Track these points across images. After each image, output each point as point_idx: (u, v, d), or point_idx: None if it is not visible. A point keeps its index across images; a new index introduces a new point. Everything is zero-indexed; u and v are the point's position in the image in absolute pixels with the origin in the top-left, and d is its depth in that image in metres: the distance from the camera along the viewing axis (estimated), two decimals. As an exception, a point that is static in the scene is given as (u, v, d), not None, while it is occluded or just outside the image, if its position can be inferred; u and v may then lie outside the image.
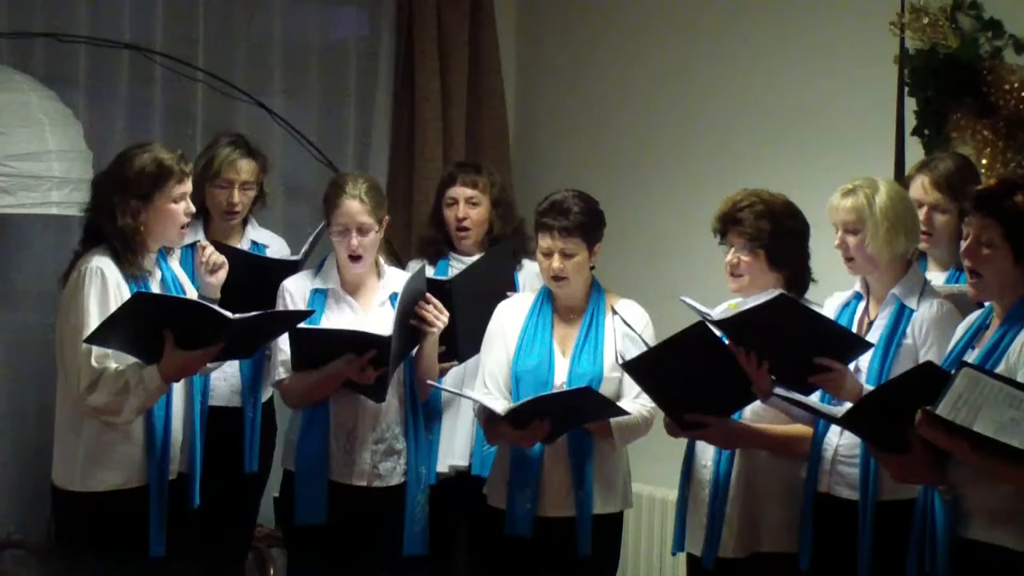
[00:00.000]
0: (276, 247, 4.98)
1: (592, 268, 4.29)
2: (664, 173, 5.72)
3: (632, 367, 3.93)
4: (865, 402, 3.52)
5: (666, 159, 5.73)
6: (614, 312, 4.23)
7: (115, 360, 3.92)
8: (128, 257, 3.98)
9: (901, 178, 4.47)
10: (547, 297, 4.33)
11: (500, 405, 4.15)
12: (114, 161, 4.09)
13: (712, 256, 4.10)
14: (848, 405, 3.62)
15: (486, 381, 4.30)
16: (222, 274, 4.39)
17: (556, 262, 4.20)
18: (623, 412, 4.12)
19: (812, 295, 4.01)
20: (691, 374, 3.84)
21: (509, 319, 4.34)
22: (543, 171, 6.10)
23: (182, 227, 4.07)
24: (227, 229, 4.84)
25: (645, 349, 3.95)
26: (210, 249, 4.41)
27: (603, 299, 4.31)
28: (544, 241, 4.22)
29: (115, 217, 3.97)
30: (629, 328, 4.11)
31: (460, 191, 4.98)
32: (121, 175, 4.01)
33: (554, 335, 4.28)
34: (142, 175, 3.98)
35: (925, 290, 3.83)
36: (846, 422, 3.60)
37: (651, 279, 5.33)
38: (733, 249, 3.99)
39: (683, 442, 4.09)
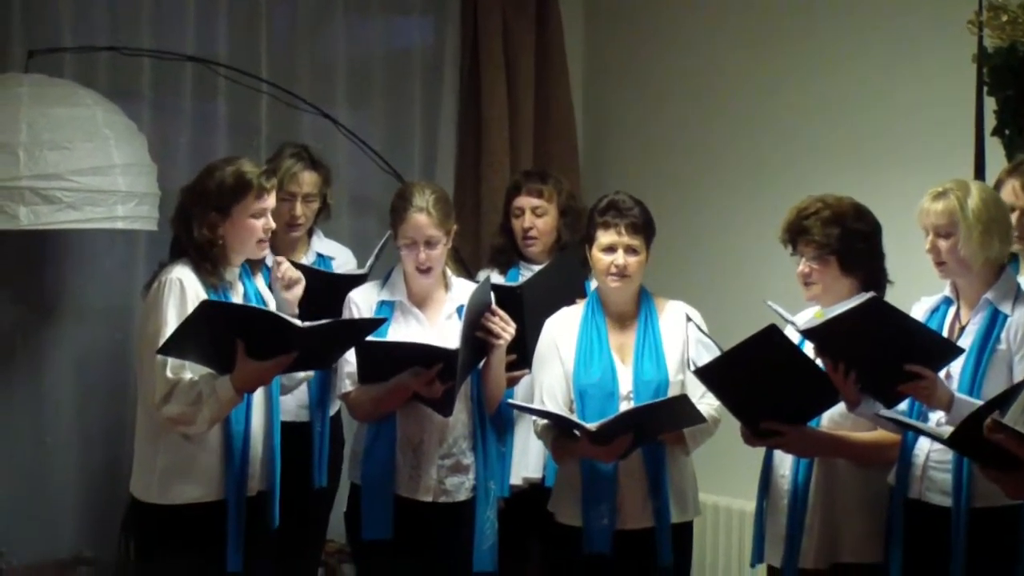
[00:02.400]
0: (342, 258, 4.96)
1: None
2: (737, 180, 5.64)
3: (704, 374, 3.86)
4: (968, 422, 3.39)
5: (739, 166, 5.65)
6: (688, 319, 4.19)
7: (191, 371, 3.91)
8: (207, 267, 3.98)
9: (982, 179, 4.39)
10: (597, 306, 4.27)
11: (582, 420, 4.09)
12: (200, 173, 4.11)
13: (788, 264, 4.02)
14: (938, 415, 3.52)
15: (544, 399, 4.23)
16: (298, 289, 4.33)
17: (620, 258, 4.16)
18: (703, 419, 4.06)
19: (890, 296, 3.89)
20: (764, 380, 3.76)
21: (561, 333, 4.27)
22: (613, 180, 5.99)
23: (260, 241, 4.05)
24: (292, 241, 4.82)
25: (718, 354, 3.87)
26: (285, 264, 4.36)
27: (652, 303, 4.27)
28: (607, 237, 4.17)
29: (193, 228, 3.99)
30: (703, 334, 4.06)
31: (526, 201, 4.96)
32: (203, 187, 4.03)
33: (610, 344, 4.22)
34: (221, 188, 4.00)
35: (1020, 295, 3.73)
36: (952, 444, 3.49)
37: (725, 287, 5.30)
38: (804, 258, 3.93)
39: (757, 452, 4.02)
